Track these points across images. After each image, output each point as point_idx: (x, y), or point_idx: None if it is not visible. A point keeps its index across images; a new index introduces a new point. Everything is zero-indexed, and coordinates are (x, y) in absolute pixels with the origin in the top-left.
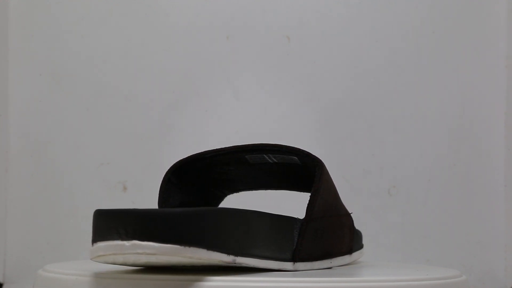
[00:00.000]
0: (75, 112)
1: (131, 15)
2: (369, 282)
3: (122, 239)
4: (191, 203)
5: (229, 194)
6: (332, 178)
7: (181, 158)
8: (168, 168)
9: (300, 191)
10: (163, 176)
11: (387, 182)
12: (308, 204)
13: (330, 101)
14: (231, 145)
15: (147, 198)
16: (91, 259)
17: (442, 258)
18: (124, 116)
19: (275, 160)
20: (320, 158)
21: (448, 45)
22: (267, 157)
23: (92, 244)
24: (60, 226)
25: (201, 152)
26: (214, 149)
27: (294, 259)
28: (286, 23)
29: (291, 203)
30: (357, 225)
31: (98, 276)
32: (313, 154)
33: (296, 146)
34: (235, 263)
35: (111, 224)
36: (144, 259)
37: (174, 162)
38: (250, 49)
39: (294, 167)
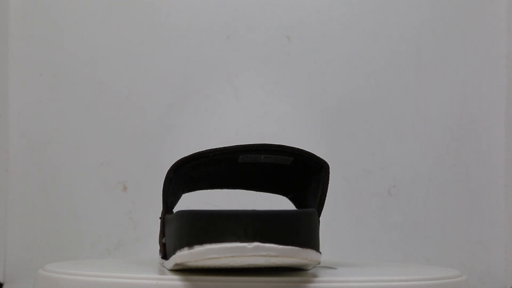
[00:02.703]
0: (75, 112)
1: (131, 15)
2: (369, 282)
3: (242, 241)
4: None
5: (186, 193)
6: (332, 178)
7: (183, 156)
8: (170, 166)
9: (275, 192)
10: (162, 176)
11: (387, 182)
12: (318, 205)
13: (330, 101)
14: (234, 145)
15: (147, 198)
16: (189, 262)
17: (442, 258)
18: (124, 116)
19: (266, 160)
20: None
21: (448, 45)
22: (261, 157)
23: (192, 246)
24: (60, 226)
25: (203, 151)
26: (216, 148)
27: None
28: (286, 23)
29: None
30: (357, 225)
31: (101, 276)
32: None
33: (296, 147)
34: (319, 265)
35: (227, 226)
36: (251, 261)
37: (176, 160)
38: (250, 49)
39: (281, 168)
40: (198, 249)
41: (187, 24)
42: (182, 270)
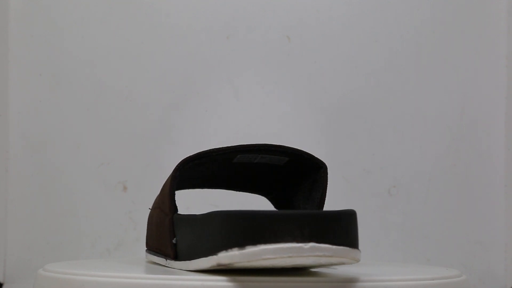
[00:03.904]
0: (75, 112)
1: (131, 15)
2: (369, 282)
3: (298, 242)
4: None
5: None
6: (332, 178)
7: (188, 155)
8: (170, 166)
9: (254, 192)
10: (162, 176)
11: (387, 182)
12: (319, 205)
13: (330, 101)
14: (238, 144)
15: (147, 198)
16: (240, 262)
17: (442, 258)
18: (124, 116)
19: (261, 160)
20: (323, 161)
21: (448, 45)
22: (258, 157)
23: (243, 247)
24: (60, 226)
25: (208, 150)
26: (219, 148)
27: None
28: (286, 23)
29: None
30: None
31: (101, 276)
32: (313, 154)
33: (294, 147)
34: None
35: (282, 226)
36: (301, 261)
37: (176, 159)
38: (250, 49)
39: (270, 168)
40: (251, 249)
41: (187, 24)
42: (215, 271)
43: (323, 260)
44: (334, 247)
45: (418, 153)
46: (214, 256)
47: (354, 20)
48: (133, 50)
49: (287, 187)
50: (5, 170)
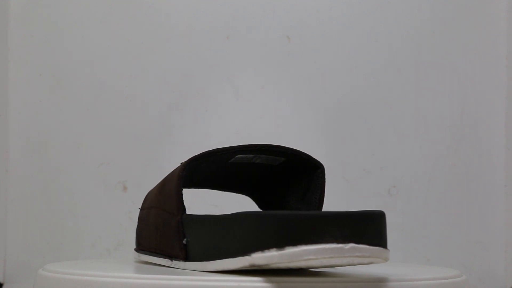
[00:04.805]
0: (75, 112)
1: (131, 15)
2: (369, 282)
3: (339, 242)
4: None
5: None
6: (332, 178)
7: (195, 154)
8: (170, 166)
9: (239, 192)
10: (162, 176)
11: (387, 182)
12: (318, 206)
13: (330, 101)
14: (239, 144)
15: None
16: (279, 263)
17: (442, 258)
18: (124, 116)
19: (258, 160)
20: (321, 162)
21: (448, 45)
22: (257, 158)
23: (282, 248)
24: (60, 226)
25: (213, 150)
26: (225, 147)
27: None
28: (286, 23)
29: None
30: None
31: (101, 276)
32: (313, 154)
33: (293, 147)
34: None
35: (323, 227)
36: (337, 261)
37: (176, 159)
38: (250, 49)
39: (267, 168)
40: (291, 250)
41: (187, 24)
42: (236, 271)
43: (356, 260)
44: (371, 247)
45: (418, 153)
46: (247, 257)
47: (354, 20)
48: (133, 50)
49: (279, 187)
50: (5, 170)
